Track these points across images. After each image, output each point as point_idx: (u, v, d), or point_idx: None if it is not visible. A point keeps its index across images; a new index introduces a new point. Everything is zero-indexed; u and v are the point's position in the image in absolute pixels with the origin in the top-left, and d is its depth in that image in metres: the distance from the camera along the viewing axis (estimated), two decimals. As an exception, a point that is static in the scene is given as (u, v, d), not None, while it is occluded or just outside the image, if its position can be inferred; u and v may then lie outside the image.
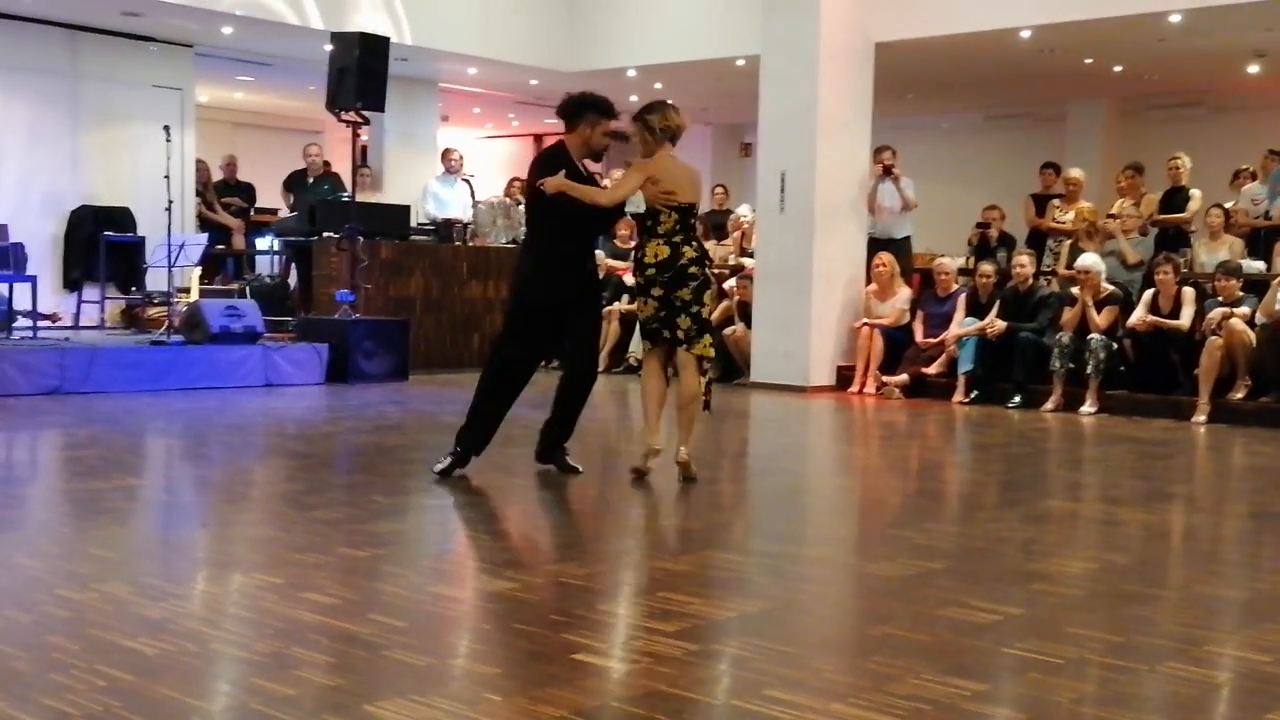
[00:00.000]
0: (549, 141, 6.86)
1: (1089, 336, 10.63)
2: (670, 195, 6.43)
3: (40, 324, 11.32)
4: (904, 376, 11.63)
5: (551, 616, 4.08)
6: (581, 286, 6.65)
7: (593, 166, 6.83)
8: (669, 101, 6.71)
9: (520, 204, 13.31)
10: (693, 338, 6.51)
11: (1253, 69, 14.27)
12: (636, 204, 6.54)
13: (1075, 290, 11.05)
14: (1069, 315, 10.88)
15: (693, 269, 6.43)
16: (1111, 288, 10.96)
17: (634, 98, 17.23)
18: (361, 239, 12.10)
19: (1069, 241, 12.35)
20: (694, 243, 6.51)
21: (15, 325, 11.16)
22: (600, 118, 6.61)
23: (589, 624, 3.94)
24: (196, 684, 3.32)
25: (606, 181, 7.51)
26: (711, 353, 6.70)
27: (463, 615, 4.13)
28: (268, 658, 3.58)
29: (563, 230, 6.50)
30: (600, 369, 13.25)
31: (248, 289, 13.46)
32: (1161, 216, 12.19)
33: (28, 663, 3.44)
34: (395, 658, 3.56)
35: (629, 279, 13.81)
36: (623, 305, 13.49)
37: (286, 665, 3.47)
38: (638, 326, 7.08)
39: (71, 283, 13.29)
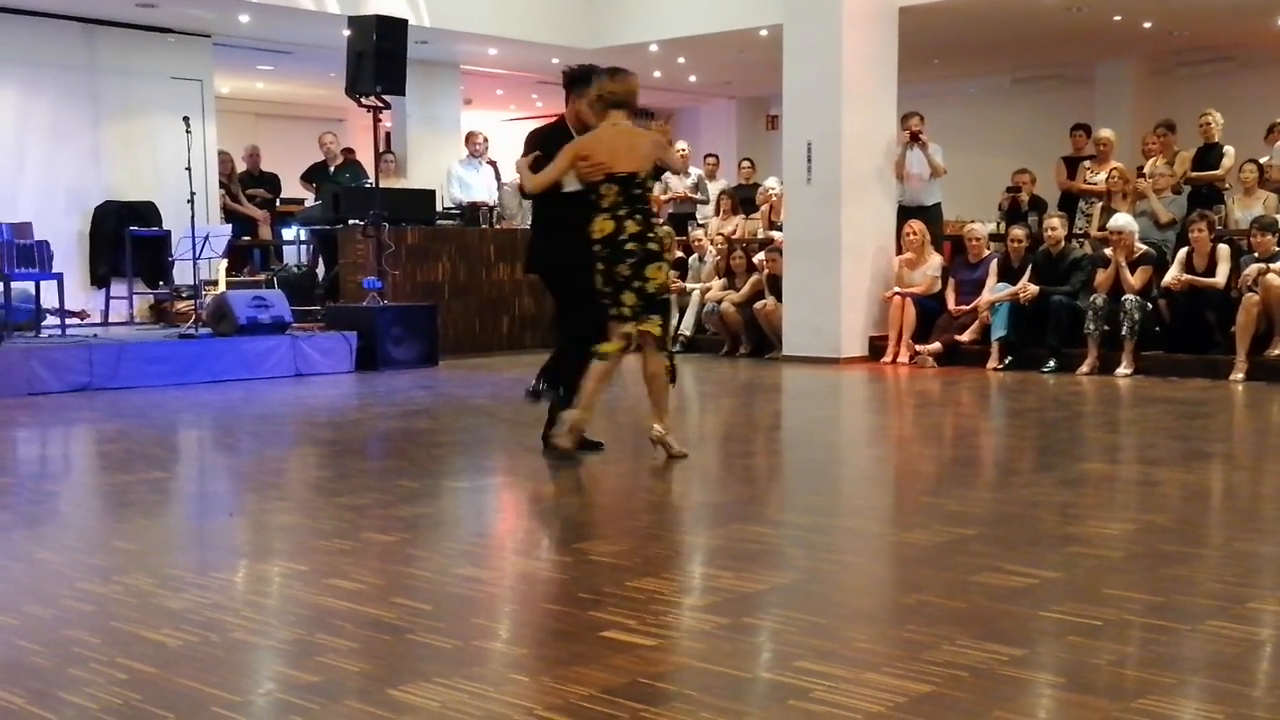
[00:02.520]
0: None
1: (1123, 298, 10.48)
2: (601, 166, 6.21)
3: (68, 321, 11.34)
4: (937, 345, 11.50)
5: (580, 595, 4.02)
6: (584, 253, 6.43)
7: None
8: (621, 68, 6.52)
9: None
10: (639, 314, 6.28)
11: (1283, 21, 14.05)
12: (572, 183, 6.34)
13: (1108, 251, 10.90)
14: (1102, 277, 10.74)
15: (630, 244, 6.21)
16: (1145, 247, 10.80)
17: (657, 73, 17.21)
18: (387, 225, 12.06)
19: (1101, 203, 12.19)
20: (639, 215, 6.25)
21: (44, 323, 11.19)
22: (589, 89, 6.53)
23: (618, 601, 3.87)
24: (218, 674, 3.26)
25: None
26: (658, 331, 6.39)
27: (489, 596, 4.06)
28: (291, 645, 3.54)
29: (556, 198, 6.46)
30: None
31: (275, 279, 13.46)
32: (1195, 174, 12.01)
33: (47, 658, 3.39)
34: (421, 641, 3.51)
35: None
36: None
37: (310, 652, 3.42)
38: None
39: (98, 279, 13.31)
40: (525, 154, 6.52)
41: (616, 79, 6.35)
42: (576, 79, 6.65)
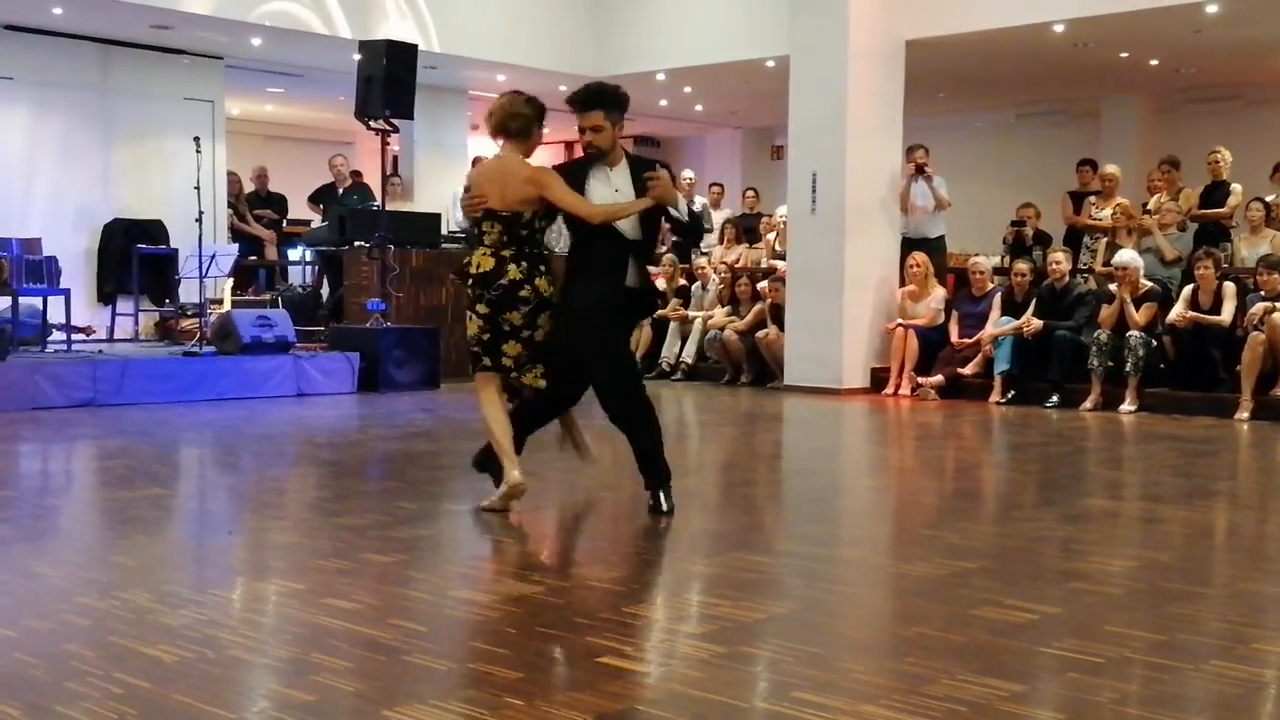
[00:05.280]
0: (579, 150, 6.16)
1: (1128, 334, 10.48)
2: (478, 201, 5.57)
3: (74, 337, 11.34)
4: (939, 377, 11.49)
5: (576, 620, 4.00)
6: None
7: None
8: (518, 90, 5.88)
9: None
10: (522, 366, 5.65)
11: (1291, 61, 14.07)
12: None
13: (1113, 287, 10.90)
14: (1107, 312, 10.73)
15: (524, 291, 5.54)
16: (1150, 284, 10.80)
17: (663, 102, 17.26)
18: (392, 248, 12.08)
19: (1106, 238, 12.20)
20: (524, 262, 5.57)
21: (50, 339, 11.19)
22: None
23: (614, 627, 3.86)
24: (213, 691, 3.25)
25: None
26: (542, 384, 5.70)
27: (486, 619, 4.05)
28: (287, 664, 3.53)
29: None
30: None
31: (280, 299, 13.47)
32: (1201, 211, 12.02)
33: (44, 671, 3.38)
34: (416, 662, 3.49)
35: (661, 284, 13.76)
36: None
37: (305, 671, 3.41)
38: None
39: (105, 296, 13.34)
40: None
41: (494, 105, 5.76)
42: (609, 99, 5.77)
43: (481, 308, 5.59)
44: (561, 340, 5.67)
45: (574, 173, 5.75)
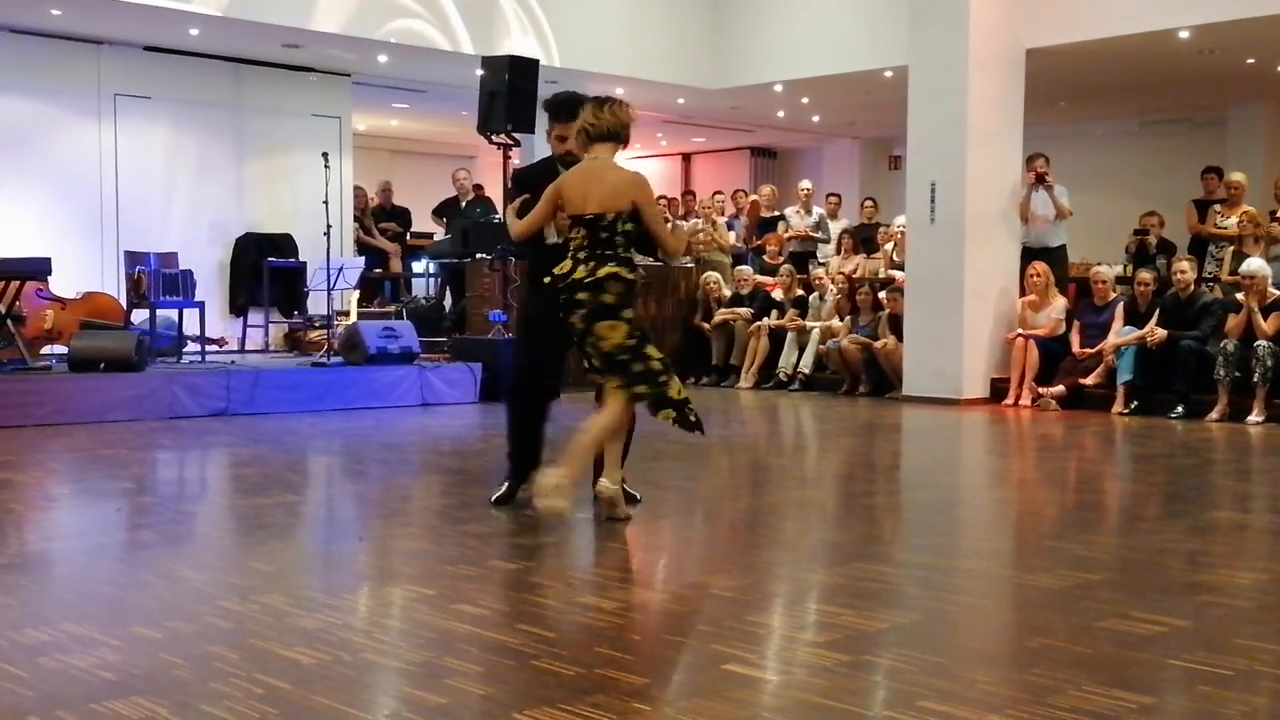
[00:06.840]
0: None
1: (1255, 343, 10.28)
2: (567, 216, 5.57)
3: (208, 348, 11.67)
4: (1060, 388, 11.37)
5: (701, 627, 4.07)
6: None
7: None
8: (613, 97, 5.77)
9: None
10: (603, 372, 5.67)
11: None
12: (553, 235, 5.77)
13: (1240, 296, 10.70)
14: (1234, 322, 10.54)
15: (581, 294, 5.49)
16: (1278, 293, 10.58)
17: (781, 113, 17.28)
18: (514, 260, 12.24)
19: (1232, 247, 11.99)
20: (593, 262, 5.49)
21: (185, 350, 11.53)
22: (551, 123, 6.08)
23: (739, 635, 3.91)
24: (350, 693, 3.37)
25: None
26: (626, 394, 5.62)
27: (612, 626, 4.12)
28: (419, 667, 3.62)
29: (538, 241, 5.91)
30: (750, 385, 13.31)
31: (404, 311, 13.73)
32: (1331, 219, 11.76)
33: (190, 671, 3.52)
34: (544, 667, 3.57)
35: (777, 294, 13.77)
36: (771, 320, 13.47)
37: (438, 675, 3.50)
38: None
39: (237, 308, 13.71)
40: (512, 197, 5.98)
41: (605, 109, 5.61)
42: (555, 107, 6.09)
43: (561, 311, 5.61)
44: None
45: (545, 175, 5.88)
